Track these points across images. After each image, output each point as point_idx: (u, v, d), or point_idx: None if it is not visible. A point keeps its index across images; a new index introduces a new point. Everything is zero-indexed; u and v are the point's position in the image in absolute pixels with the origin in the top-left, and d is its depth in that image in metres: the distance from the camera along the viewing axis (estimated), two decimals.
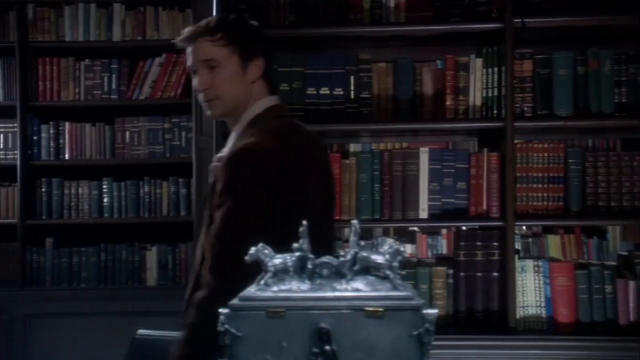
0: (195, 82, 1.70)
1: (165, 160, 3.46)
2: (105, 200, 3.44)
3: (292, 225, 1.36)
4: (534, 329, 2.45)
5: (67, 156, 3.46)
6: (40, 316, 3.32)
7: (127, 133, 3.47)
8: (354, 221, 1.22)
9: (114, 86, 3.46)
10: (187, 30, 1.72)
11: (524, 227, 3.94)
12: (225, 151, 1.71)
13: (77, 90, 3.46)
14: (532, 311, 2.45)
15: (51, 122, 3.50)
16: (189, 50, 1.70)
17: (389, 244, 1.22)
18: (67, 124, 3.49)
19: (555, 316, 2.44)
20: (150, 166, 3.47)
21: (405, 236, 4.16)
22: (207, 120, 3.43)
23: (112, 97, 3.45)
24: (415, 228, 4.02)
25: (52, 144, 3.47)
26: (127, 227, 3.47)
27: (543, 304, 2.44)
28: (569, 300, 2.43)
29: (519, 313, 2.44)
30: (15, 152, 3.42)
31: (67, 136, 3.47)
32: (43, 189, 3.43)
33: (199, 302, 1.55)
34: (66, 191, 3.44)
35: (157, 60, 3.45)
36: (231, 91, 1.67)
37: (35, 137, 3.49)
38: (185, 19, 3.43)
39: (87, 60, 3.46)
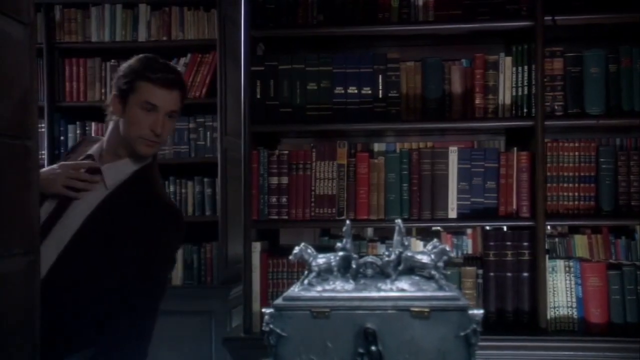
0: (148, 118, 1.77)
1: (191, 160, 3.48)
2: None
3: None
4: (565, 329, 2.42)
5: None
6: None
7: None
8: (398, 220, 1.22)
9: None
10: (167, 75, 1.78)
11: (548, 227, 3.89)
12: (106, 166, 1.81)
13: (103, 90, 3.49)
14: (563, 312, 2.42)
15: (78, 123, 3.53)
16: (158, 91, 1.76)
17: (433, 243, 1.21)
18: (93, 125, 3.52)
19: (587, 317, 2.41)
20: (175, 166, 3.48)
21: (429, 236, 4.13)
22: (232, 120, 3.44)
23: None
24: (439, 227, 3.99)
25: None
26: None
27: (574, 305, 2.42)
28: (601, 301, 2.40)
29: (550, 314, 2.42)
30: (43, 152, 3.45)
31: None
32: None
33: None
34: None
35: (182, 60, 3.47)
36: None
37: (62, 137, 3.52)
38: (210, 19, 3.45)
39: (113, 60, 3.49)
